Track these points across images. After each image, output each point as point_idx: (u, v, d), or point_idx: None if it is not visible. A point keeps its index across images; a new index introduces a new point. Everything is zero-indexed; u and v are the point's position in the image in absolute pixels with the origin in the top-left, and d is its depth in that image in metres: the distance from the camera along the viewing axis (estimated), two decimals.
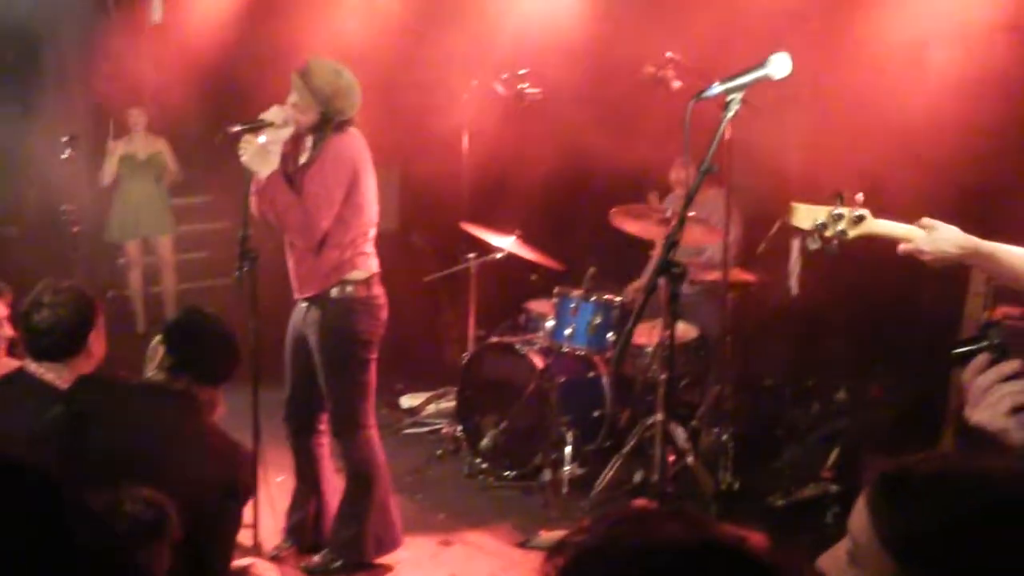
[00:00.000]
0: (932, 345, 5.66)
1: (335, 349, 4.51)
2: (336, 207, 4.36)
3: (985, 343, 1.75)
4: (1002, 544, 1.37)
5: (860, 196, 2.90)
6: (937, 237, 2.91)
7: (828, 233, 2.90)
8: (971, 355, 1.77)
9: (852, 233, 2.91)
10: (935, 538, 1.41)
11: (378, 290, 4.57)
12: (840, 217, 2.89)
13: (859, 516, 1.50)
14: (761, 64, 3.23)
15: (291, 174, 4.46)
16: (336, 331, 4.49)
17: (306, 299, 4.56)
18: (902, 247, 2.92)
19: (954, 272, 5.45)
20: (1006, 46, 5.22)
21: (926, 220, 2.93)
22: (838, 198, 2.90)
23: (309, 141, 4.46)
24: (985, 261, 2.94)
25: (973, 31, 5.33)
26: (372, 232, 4.56)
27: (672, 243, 3.10)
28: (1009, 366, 1.72)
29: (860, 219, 2.89)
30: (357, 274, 4.48)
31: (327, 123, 4.38)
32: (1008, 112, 5.19)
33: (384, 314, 4.59)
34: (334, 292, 4.47)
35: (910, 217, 2.94)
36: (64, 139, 6.40)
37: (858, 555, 1.48)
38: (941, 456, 1.59)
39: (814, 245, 2.93)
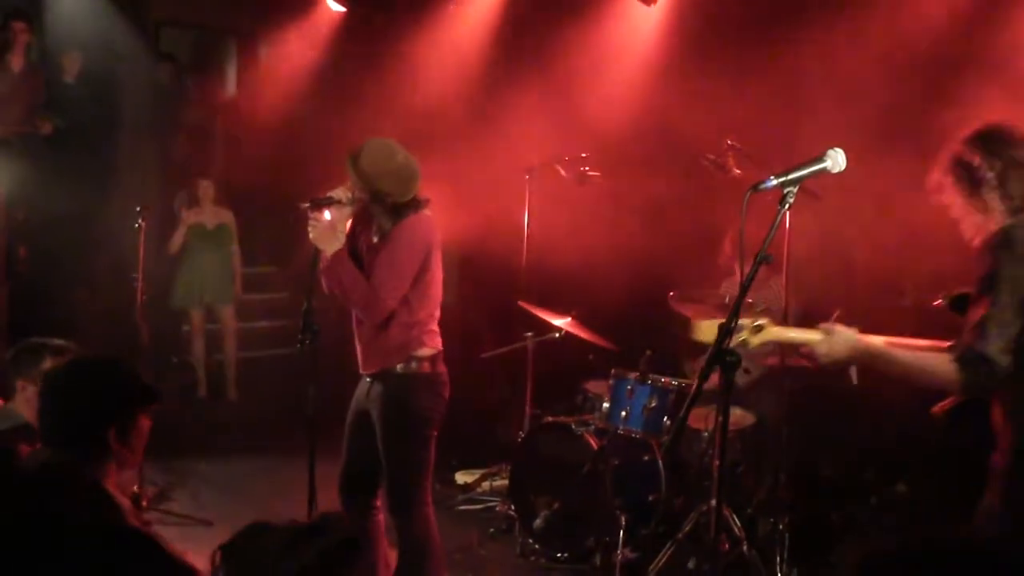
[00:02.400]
0: (992, 438, 5.56)
1: (397, 424, 4.53)
2: (405, 289, 4.42)
3: None
4: None
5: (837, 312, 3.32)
6: (833, 341, 3.19)
7: (731, 344, 3.13)
8: None
9: (754, 341, 3.21)
10: None
11: (442, 368, 4.61)
12: (741, 328, 3.17)
13: None
14: (818, 158, 3.24)
15: (362, 253, 4.54)
16: (399, 406, 4.51)
17: (371, 375, 4.61)
18: (802, 350, 3.27)
19: None
20: None
21: (824, 325, 3.23)
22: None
23: (384, 220, 4.54)
24: (876, 361, 3.22)
25: None
26: (437, 312, 4.61)
27: (727, 331, 3.09)
28: None
29: (759, 329, 3.20)
30: (423, 351, 4.53)
31: (384, 209, 4.45)
32: None
33: (447, 392, 4.61)
34: (399, 367, 4.50)
35: None
36: (137, 209, 6.57)
37: None
38: (923, 540, 1.61)
39: None
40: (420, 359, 4.51)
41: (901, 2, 5.82)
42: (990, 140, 3.33)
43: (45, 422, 2.93)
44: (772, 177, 3.24)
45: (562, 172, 6.51)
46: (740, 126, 5.92)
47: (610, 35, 7.36)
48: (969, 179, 3.27)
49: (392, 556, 4.76)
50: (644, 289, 6.70)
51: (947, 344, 3.22)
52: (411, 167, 4.47)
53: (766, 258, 3.18)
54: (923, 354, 3.19)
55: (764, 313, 5.55)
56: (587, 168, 6.42)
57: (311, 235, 4.38)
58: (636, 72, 7.21)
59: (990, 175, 3.23)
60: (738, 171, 5.54)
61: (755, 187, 3.26)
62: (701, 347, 6.56)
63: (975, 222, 3.30)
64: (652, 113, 6.92)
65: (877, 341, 3.27)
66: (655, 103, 6.97)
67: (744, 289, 3.17)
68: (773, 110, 6.28)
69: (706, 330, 3.24)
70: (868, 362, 3.24)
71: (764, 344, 3.24)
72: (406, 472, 4.56)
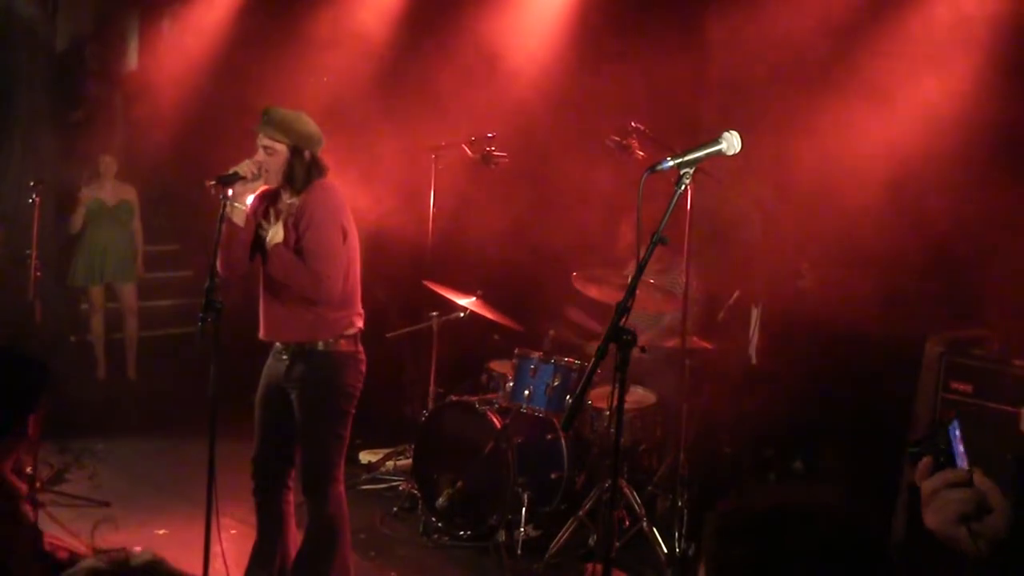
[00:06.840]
0: (887, 417, 5.74)
1: (321, 402, 4.48)
2: (343, 264, 4.39)
3: (931, 447, 1.71)
4: None
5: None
6: None
7: None
8: (919, 456, 1.73)
9: None
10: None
11: (361, 346, 4.60)
12: None
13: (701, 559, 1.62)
14: (714, 140, 3.30)
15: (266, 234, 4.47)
16: (324, 384, 4.47)
17: (288, 352, 4.51)
18: None
19: (909, 345, 5.58)
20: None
21: None
22: None
23: (287, 197, 4.48)
24: None
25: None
26: (359, 285, 4.58)
27: (623, 310, 3.13)
28: (954, 474, 1.67)
29: None
30: (350, 330, 4.51)
31: (301, 165, 4.40)
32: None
33: (365, 369, 4.60)
34: (320, 345, 4.46)
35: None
36: (31, 183, 6.38)
37: None
38: (771, 495, 1.67)
39: None
40: (344, 337, 4.49)
41: None
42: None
43: None
44: (669, 158, 3.29)
45: (468, 152, 6.50)
46: (645, 109, 5.99)
47: (518, 16, 7.37)
48: None
49: (299, 536, 4.72)
50: (549, 270, 6.74)
51: None
52: (315, 125, 4.49)
53: (662, 239, 3.23)
54: None
55: (663, 292, 5.67)
56: (493, 148, 6.42)
57: (234, 219, 4.30)
58: (543, 54, 7.23)
59: None
60: (642, 153, 5.59)
61: (652, 168, 3.30)
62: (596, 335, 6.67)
63: None
64: (559, 94, 6.95)
65: None
66: (562, 85, 7.01)
67: (641, 268, 3.22)
68: (678, 93, 6.35)
69: None
70: None
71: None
72: (326, 450, 4.52)
